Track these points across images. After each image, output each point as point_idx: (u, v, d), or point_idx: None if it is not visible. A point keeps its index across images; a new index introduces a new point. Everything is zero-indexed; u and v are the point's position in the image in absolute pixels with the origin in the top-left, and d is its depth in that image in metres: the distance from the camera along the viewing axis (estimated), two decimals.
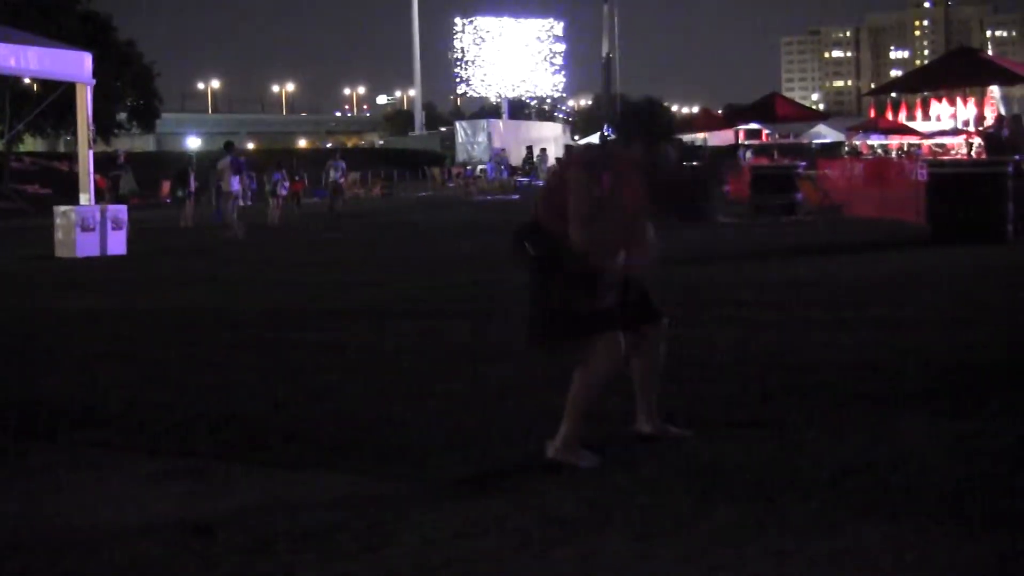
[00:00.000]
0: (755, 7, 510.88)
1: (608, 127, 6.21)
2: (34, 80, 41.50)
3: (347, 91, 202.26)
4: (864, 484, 5.21)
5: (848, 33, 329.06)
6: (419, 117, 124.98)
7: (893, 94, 54.28)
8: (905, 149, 57.03)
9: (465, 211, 36.92)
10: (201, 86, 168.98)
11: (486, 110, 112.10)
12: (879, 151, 61.16)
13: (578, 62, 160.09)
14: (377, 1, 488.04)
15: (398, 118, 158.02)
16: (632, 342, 5.88)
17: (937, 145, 52.49)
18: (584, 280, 5.59)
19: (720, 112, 70.98)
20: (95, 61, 22.51)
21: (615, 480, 5.36)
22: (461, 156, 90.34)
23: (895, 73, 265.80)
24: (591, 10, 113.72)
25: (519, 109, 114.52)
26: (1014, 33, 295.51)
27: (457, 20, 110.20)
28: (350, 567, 4.38)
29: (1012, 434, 6.08)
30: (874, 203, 25.60)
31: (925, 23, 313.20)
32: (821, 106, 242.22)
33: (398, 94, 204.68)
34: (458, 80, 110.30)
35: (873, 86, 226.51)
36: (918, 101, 57.54)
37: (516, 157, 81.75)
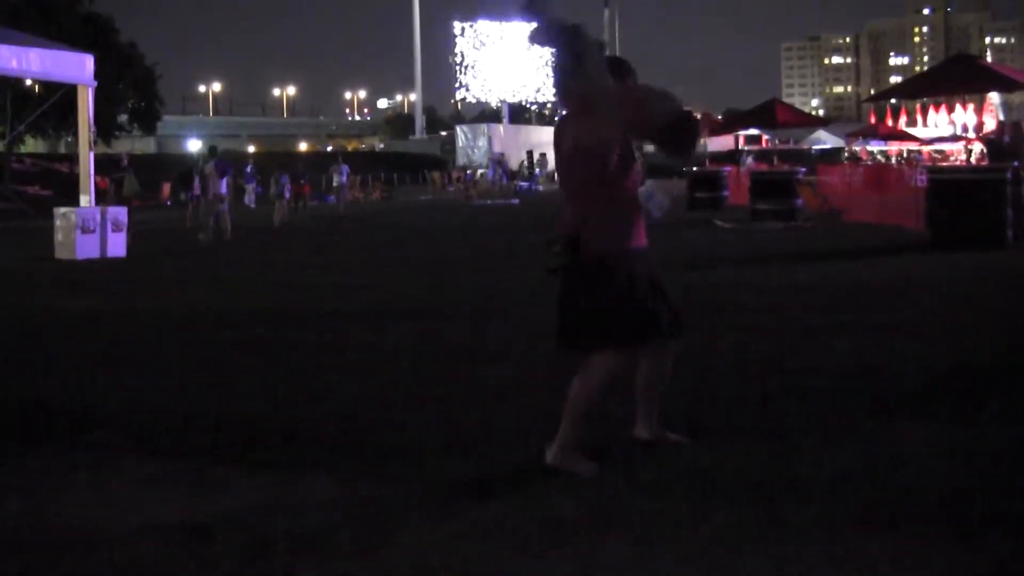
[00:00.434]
0: (755, 13, 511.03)
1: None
2: (35, 81, 41.53)
3: (348, 95, 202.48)
4: (863, 489, 5.22)
5: (848, 39, 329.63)
6: (419, 121, 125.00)
7: (893, 100, 54.22)
8: (905, 155, 57.06)
9: (465, 215, 36.90)
10: (202, 88, 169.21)
11: (487, 114, 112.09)
12: (879, 157, 61.21)
13: None
14: (378, 4, 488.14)
15: (398, 122, 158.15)
16: (645, 348, 5.89)
17: (936, 151, 52.52)
18: (616, 273, 5.58)
19: (720, 117, 71.04)
20: (96, 63, 22.52)
21: (615, 484, 5.36)
22: (461, 160, 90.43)
23: (895, 79, 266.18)
24: (592, 14, 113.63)
25: (519, 114, 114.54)
26: (1013, 40, 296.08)
27: (457, 24, 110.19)
28: (349, 568, 4.39)
29: (1010, 437, 6.09)
30: (874, 209, 25.62)
31: (924, 29, 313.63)
32: (821, 112, 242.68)
33: (399, 98, 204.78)
34: (458, 85, 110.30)
35: (873, 92, 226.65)
36: (918, 107, 57.59)
37: (516, 161, 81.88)
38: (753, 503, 5.00)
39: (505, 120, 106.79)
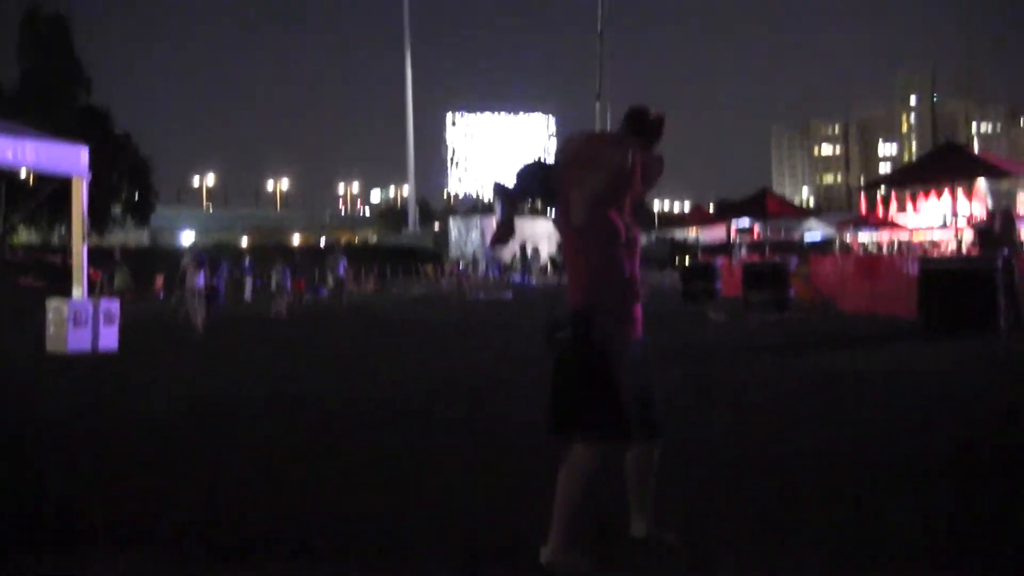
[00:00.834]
0: (745, 103, 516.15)
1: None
2: (30, 172, 41.79)
3: (341, 187, 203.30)
4: None
5: (837, 129, 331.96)
6: (412, 214, 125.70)
7: (883, 189, 54.66)
8: (896, 244, 57.34)
9: (459, 309, 36.85)
10: (196, 180, 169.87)
11: (479, 207, 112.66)
12: (870, 246, 61.49)
13: None
14: (371, 97, 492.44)
15: (392, 214, 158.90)
16: (627, 448, 5.87)
17: (927, 240, 52.81)
18: (613, 363, 5.56)
19: (711, 209, 71.45)
20: (91, 154, 22.58)
21: None
22: (454, 253, 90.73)
23: (884, 167, 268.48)
24: (583, 105, 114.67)
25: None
26: (999, 127, 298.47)
27: (449, 116, 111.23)
28: None
29: (1005, 524, 6.06)
30: (866, 298, 25.66)
31: (912, 118, 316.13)
32: (812, 201, 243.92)
33: (392, 190, 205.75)
34: (450, 178, 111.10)
35: (863, 181, 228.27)
36: (908, 196, 57.93)
37: (509, 254, 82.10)
38: None
39: (498, 212, 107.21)
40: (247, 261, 52.63)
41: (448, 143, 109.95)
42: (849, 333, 20.22)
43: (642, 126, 6.04)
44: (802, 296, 27.92)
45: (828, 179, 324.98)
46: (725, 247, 51.43)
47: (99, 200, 44.64)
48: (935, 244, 49.49)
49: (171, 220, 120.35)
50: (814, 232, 72.42)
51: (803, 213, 54.32)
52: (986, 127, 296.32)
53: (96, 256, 26.65)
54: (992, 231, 23.19)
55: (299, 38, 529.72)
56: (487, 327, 26.20)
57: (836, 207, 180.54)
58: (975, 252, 25.46)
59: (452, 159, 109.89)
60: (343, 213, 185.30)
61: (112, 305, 22.53)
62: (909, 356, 15.78)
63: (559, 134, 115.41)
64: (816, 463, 8.12)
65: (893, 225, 56.35)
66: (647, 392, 5.77)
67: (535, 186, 6.04)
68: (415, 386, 14.24)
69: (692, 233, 52.91)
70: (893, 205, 58.40)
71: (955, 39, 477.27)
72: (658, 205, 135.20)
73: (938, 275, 19.29)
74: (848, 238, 61.39)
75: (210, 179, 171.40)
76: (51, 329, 21.66)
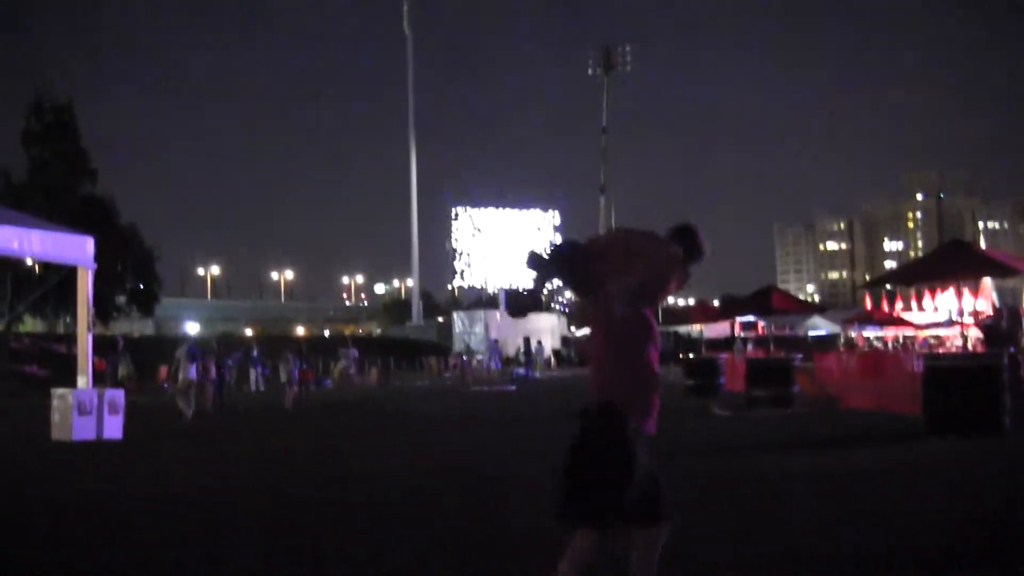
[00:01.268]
0: (750, 199, 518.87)
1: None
2: (36, 262, 41.93)
3: (345, 279, 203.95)
4: None
5: (842, 225, 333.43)
6: (416, 307, 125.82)
7: (888, 286, 54.70)
8: (901, 341, 57.26)
9: (463, 401, 36.69)
10: (201, 271, 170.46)
11: (483, 300, 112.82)
12: (875, 343, 61.42)
13: None
14: (376, 191, 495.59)
15: (395, 307, 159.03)
16: (629, 538, 5.85)
17: (933, 336, 52.74)
18: (632, 453, 5.58)
19: (716, 304, 71.51)
20: (97, 245, 22.72)
21: None
22: (458, 346, 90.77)
23: (889, 264, 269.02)
24: (587, 201, 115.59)
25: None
26: (1006, 225, 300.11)
27: (454, 211, 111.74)
28: None
29: None
30: (870, 395, 25.58)
31: (918, 214, 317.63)
32: (817, 297, 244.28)
33: (396, 283, 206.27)
34: (455, 273, 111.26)
35: (868, 277, 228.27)
36: (913, 293, 57.97)
37: (513, 348, 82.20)
38: None
39: (502, 306, 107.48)
40: (254, 352, 52.70)
41: (453, 236, 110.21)
42: (853, 430, 20.13)
43: (690, 243, 6.16)
44: (807, 392, 27.84)
45: (833, 275, 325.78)
46: (729, 342, 51.40)
47: (104, 290, 44.78)
48: (940, 341, 49.42)
49: (175, 310, 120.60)
50: (819, 330, 72.39)
51: (808, 308, 54.25)
52: (992, 224, 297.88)
53: (100, 345, 26.68)
54: (999, 328, 23.20)
55: (304, 131, 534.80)
56: (490, 421, 26.09)
57: (842, 303, 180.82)
58: (981, 349, 25.44)
59: (456, 252, 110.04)
60: (347, 304, 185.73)
61: (117, 395, 22.57)
62: (912, 454, 15.69)
63: (563, 229, 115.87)
64: (813, 559, 8.07)
65: (899, 322, 56.31)
66: (655, 480, 5.78)
67: (569, 269, 6.05)
68: (418, 474, 14.20)
69: (696, 328, 52.89)
70: (899, 303, 58.44)
71: (962, 138, 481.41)
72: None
73: (943, 372, 19.22)
74: (853, 334, 61.35)
75: (214, 269, 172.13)
76: (56, 417, 21.67)
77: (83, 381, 22.44)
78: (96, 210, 55.17)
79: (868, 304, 63.21)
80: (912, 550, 8.35)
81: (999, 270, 26.05)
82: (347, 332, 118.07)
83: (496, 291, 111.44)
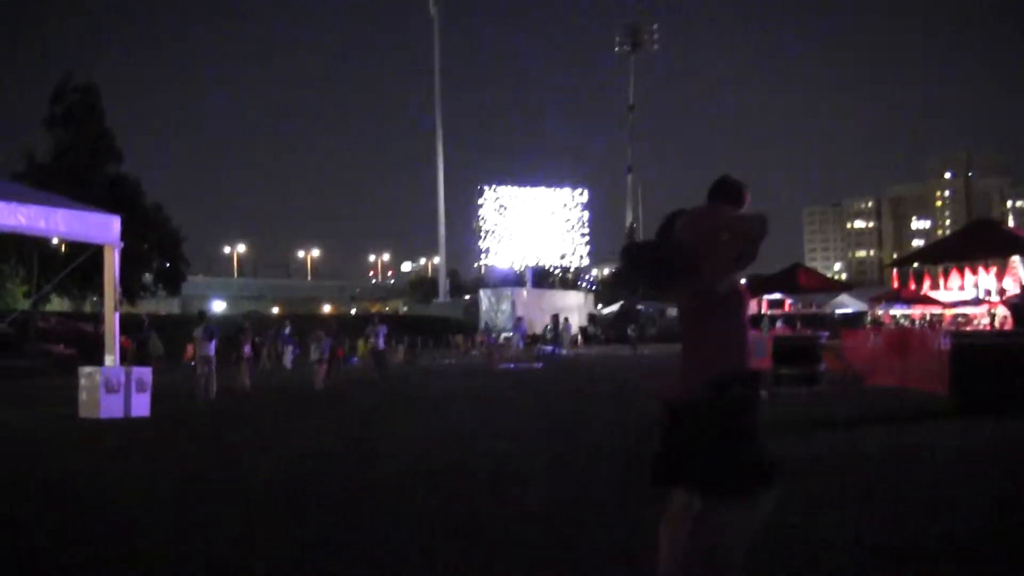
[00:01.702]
0: (778, 178, 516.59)
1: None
2: (62, 241, 42.07)
3: (372, 257, 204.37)
4: None
5: (870, 204, 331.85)
6: (443, 285, 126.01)
7: (915, 264, 54.37)
8: (928, 319, 56.94)
9: (491, 380, 36.58)
10: (227, 250, 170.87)
11: (510, 278, 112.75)
12: (902, 321, 61.11)
13: (602, 232, 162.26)
14: (403, 168, 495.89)
15: (422, 285, 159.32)
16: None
17: (960, 315, 52.42)
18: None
19: (744, 282, 71.27)
20: (123, 224, 22.77)
21: None
22: (484, 323, 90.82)
23: (917, 243, 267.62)
24: (614, 179, 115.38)
25: (543, 278, 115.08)
26: None
27: (482, 188, 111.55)
28: None
29: None
30: (897, 373, 25.46)
31: (947, 194, 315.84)
32: (843, 276, 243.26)
33: (423, 261, 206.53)
34: (482, 252, 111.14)
35: (895, 256, 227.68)
36: (940, 271, 57.56)
37: (540, 326, 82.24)
38: None
39: (528, 284, 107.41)
40: (287, 329, 52.80)
41: (480, 215, 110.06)
42: (879, 409, 20.02)
43: (734, 194, 6.08)
44: (833, 370, 27.73)
45: (860, 254, 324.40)
46: (756, 320, 51.23)
47: (130, 269, 44.83)
48: (968, 319, 49.11)
49: (202, 289, 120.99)
50: (846, 308, 72.09)
51: (835, 287, 54.02)
52: (1022, 203, 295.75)
53: (127, 324, 26.79)
54: None
55: (333, 110, 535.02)
56: (515, 398, 26.05)
57: (869, 282, 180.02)
58: (1009, 327, 25.30)
59: (484, 231, 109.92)
60: (374, 283, 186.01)
61: (144, 373, 22.66)
62: (940, 433, 15.58)
63: (591, 207, 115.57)
64: (836, 541, 8.03)
65: (926, 300, 55.98)
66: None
67: (667, 270, 5.95)
68: (440, 454, 14.19)
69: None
70: (926, 282, 58.08)
71: (991, 117, 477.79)
72: None
73: (970, 349, 19.11)
74: (880, 313, 61.02)
75: (241, 248, 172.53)
76: (83, 395, 21.79)
77: (110, 359, 22.54)
78: (121, 191, 55.19)
79: (895, 283, 62.88)
80: (937, 536, 8.27)
81: None
82: (373, 310, 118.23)
83: (523, 269, 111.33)
